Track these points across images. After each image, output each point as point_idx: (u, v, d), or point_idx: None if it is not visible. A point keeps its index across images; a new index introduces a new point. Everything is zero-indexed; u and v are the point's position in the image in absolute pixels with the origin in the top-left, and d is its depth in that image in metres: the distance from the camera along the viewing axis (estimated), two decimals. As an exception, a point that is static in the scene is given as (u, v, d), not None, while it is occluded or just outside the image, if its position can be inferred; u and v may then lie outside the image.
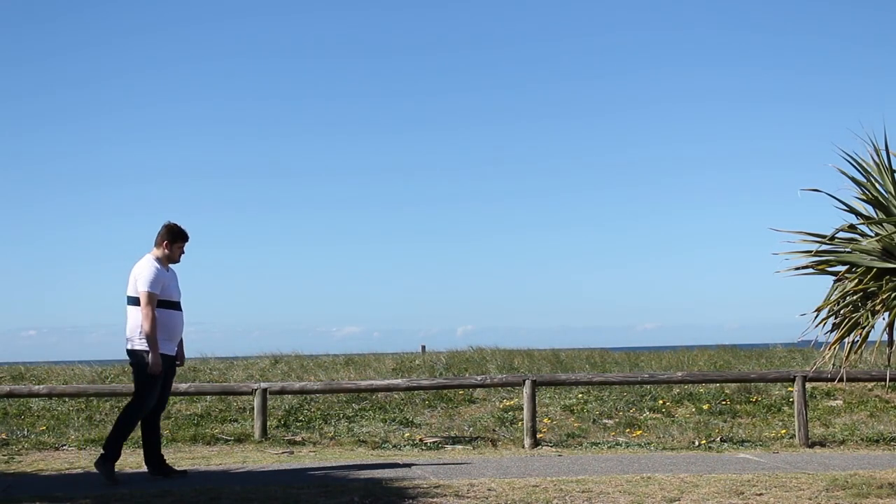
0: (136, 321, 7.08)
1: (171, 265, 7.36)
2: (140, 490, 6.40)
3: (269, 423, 10.09)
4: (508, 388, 11.36)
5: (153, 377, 7.03)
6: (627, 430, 10.24)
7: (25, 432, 10.21)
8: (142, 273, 7.10)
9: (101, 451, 7.09)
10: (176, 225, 7.40)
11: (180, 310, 7.32)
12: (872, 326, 5.87)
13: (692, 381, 10.74)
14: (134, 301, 7.12)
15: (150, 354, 6.98)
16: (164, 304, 7.13)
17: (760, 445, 9.39)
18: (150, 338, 6.96)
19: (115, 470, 7.03)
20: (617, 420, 10.69)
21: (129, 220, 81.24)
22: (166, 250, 7.30)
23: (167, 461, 7.43)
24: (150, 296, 7.02)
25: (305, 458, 8.47)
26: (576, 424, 10.49)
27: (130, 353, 7.11)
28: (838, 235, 6.01)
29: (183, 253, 7.42)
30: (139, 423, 7.22)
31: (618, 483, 6.54)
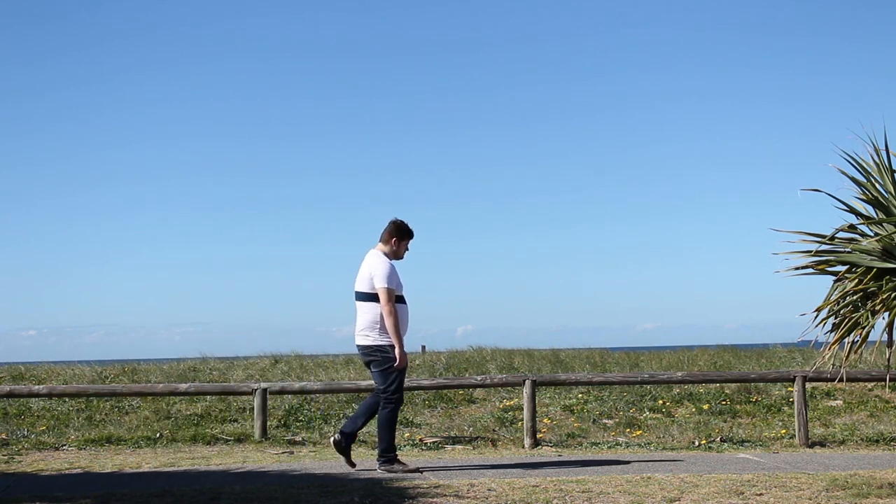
0: (372, 316, 7.31)
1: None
2: (140, 490, 6.40)
3: (269, 423, 10.09)
4: (508, 388, 11.36)
5: (402, 370, 7.34)
6: (627, 430, 10.24)
7: (25, 432, 10.21)
8: (378, 270, 7.31)
9: (382, 458, 7.36)
10: (404, 222, 7.63)
11: (405, 303, 7.52)
12: (872, 326, 5.87)
13: (692, 381, 10.74)
14: (367, 297, 7.33)
15: (395, 348, 7.25)
16: (396, 298, 7.37)
17: (760, 445, 9.39)
18: (396, 332, 7.23)
19: (115, 471, 7.05)
20: (617, 420, 10.69)
21: (129, 220, 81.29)
22: (394, 247, 7.52)
23: (167, 461, 7.44)
24: (389, 291, 7.25)
25: (305, 458, 8.47)
26: (576, 424, 10.49)
27: (373, 348, 7.32)
28: (838, 235, 6.02)
29: (407, 250, 7.65)
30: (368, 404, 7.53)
31: (618, 483, 6.54)
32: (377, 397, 7.44)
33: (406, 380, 10.57)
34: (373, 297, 7.30)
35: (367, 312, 7.34)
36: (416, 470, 7.31)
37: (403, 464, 7.42)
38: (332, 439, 7.47)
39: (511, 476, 7.01)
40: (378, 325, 7.27)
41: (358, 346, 7.42)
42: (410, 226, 7.61)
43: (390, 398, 7.35)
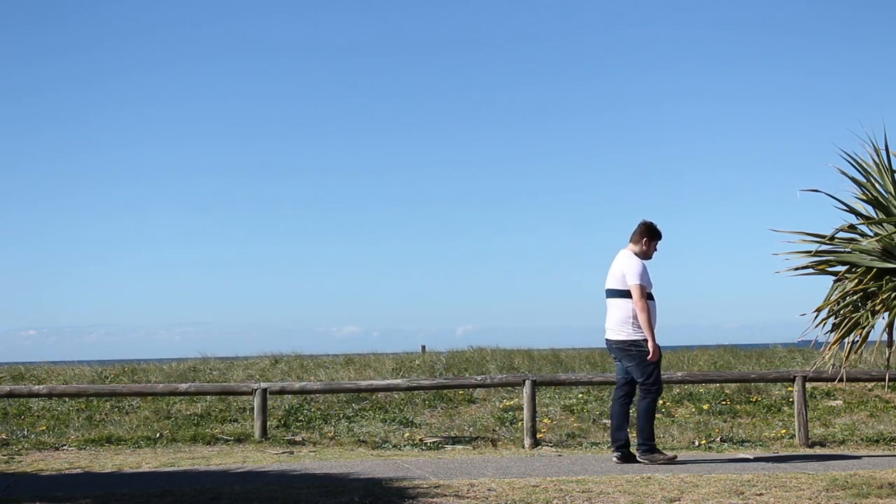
0: (625, 313, 7.72)
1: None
2: (140, 490, 6.40)
3: (269, 423, 10.09)
4: (508, 388, 11.36)
5: (658, 361, 7.74)
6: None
7: (25, 432, 10.22)
8: (630, 268, 7.74)
9: (643, 447, 7.77)
10: (654, 224, 7.99)
11: (654, 300, 7.89)
12: (872, 326, 5.87)
13: (692, 381, 10.74)
14: (619, 294, 7.77)
15: (648, 342, 7.63)
16: (647, 295, 7.76)
17: (760, 445, 9.39)
18: (649, 326, 7.66)
19: (115, 471, 7.05)
20: (617, 420, 10.68)
21: (129, 220, 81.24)
22: (644, 247, 7.91)
23: (167, 461, 7.44)
24: (642, 288, 7.69)
25: (305, 458, 8.47)
26: (576, 424, 10.49)
27: (628, 343, 7.74)
28: (838, 235, 6.02)
29: (656, 251, 8.01)
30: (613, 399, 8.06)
31: (618, 483, 6.54)
32: (619, 398, 7.93)
33: (406, 380, 10.63)
34: (624, 294, 7.75)
35: (619, 309, 7.78)
36: (673, 459, 7.77)
37: (663, 454, 7.85)
38: (614, 458, 7.84)
39: (511, 476, 7.01)
40: (632, 321, 7.71)
41: (610, 340, 7.90)
42: (659, 227, 8.03)
43: (650, 389, 7.78)
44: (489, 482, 6.63)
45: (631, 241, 7.98)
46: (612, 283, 7.86)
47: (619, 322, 7.79)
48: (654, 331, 7.72)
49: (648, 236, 7.92)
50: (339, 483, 6.67)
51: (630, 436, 8.03)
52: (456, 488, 6.34)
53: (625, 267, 7.79)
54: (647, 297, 7.75)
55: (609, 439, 9.72)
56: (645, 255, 7.91)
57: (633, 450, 7.95)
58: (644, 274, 7.74)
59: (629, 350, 7.77)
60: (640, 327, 7.69)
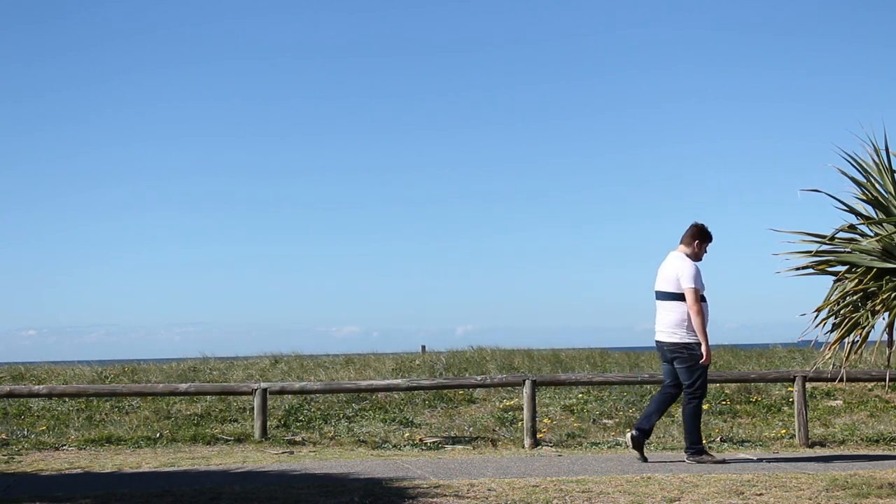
0: (677, 315, 7.74)
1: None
2: (140, 490, 6.40)
3: (269, 423, 10.09)
4: (508, 388, 11.36)
5: (706, 366, 7.77)
6: (627, 430, 10.23)
7: (25, 432, 10.22)
8: (684, 271, 7.76)
9: (691, 450, 7.80)
10: (705, 226, 8.02)
11: (707, 302, 7.90)
12: (872, 326, 5.87)
13: (692, 381, 10.72)
14: (671, 296, 7.77)
15: (701, 345, 7.66)
16: (701, 298, 7.78)
17: (760, 445, 9.39)
18: (702, 330, 7.68)
19: (115, 471, 7.05)
20: (617, 420, 10.69)
21: (129, 220, 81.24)
22: (695, 249, 7.93)
23: (167, 461, 7.44)
24: (696, 291, 7.70)
25: (305, 458, 8.47)
26: (576, 424, 10.49)
27: (680, 345, 7.76)
28: (838, 235, 6.02)
29: (706, 252, 8.03)
30: (656, 396, 8.10)
31: (618, 483, 6.54)
32: (667, 392, 7.97)
33: (406, 380, 10.62)
34: (677, 297, 7.76)
35: (671, 311, 7.79)
36: (722, 461, 7.76)
37: (711, 455, 7.89)
38: (628, 435, 7.95)
39: (511, 476, 7.01)
40: (685, 324, 7.72)
41: (661, 342, 7.89)
42: (710, 230, 8.06)
43: (695, 393, 7.80)
44: (489, 482, 6.63)
45: (682, 242, 8.00)
46: (665, 285, 7.86)
47: (672, 324, 7.80)
48: (707, 334, 7.76)
49: (700, 238, 7.95)
50: (339, 483, 6.67)
51: (646, 435, 8.08)
52: (456, 488, 6.34)
53: (679, 269, 7.78)
54: (701, 299, 7.78)
55: (609, 439, 9.73)
56: (696, 256, 7.92)
57: (645, 451, 8.04)
58: (698, 277, 7.77)
59: (681, 353, 7.79)
60: (693, 330, 7.70)
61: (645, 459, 7.83)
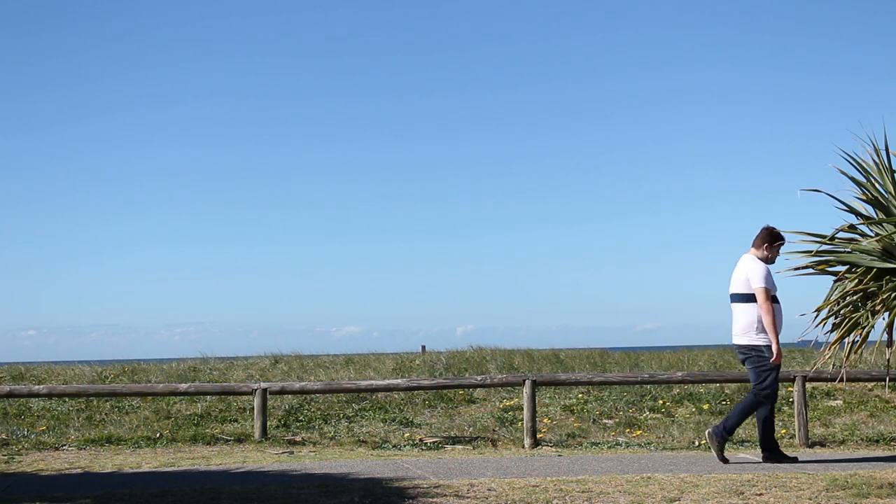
0: (750, 316, 7.82)
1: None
2: (140, 490, 6.40)
3: (269, 423, 10.09)
4: (508, 388, 11.36)
5: (777, 366, 7.83)
6: (627, 430, 10.24)
7: (25, 432, 10.22)
8: (755, 272, 7.85)
9: (720, 427, 7.88)
10: (776, 229, 8.05)
11: (779, 303, 7.98)
12: (872, 326, 5.87)
13: (692, 381, 10.74)
14: (744, 298, 7.85)
15: (772, 345, 7.75)
16: (772, 298, 7.85)
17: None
18: (773, 329, 7.75)
19: (115, 471, 7.05)
20: (617, 420, 10.69)
21: (129, 220, 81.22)
22: (766, 251, 8.00)
23: (167, 461, 7.45)
24: (766, 291, 7.77)
25: (305, 458, 8.47)
26: (576, 424, 10.49)
27: (749, 347, 7.86)
28: (838, 235, 6.02)
29: (778, 254, 8.04)
30: (756, 409, 7.99)
31: (618, 483, 6.54)
32: (754, 396, 7.97)
33: (406, 380, 10.62)
34: (750, 298, 7.84)
35: (744, 313, 7.87)
36: (795, 460, 7.89)
37: (785, 455, 7.97)
38: (707, 432, 8.00)
39: (511, 476, 7.01)
40: (756, 325, 7.81)
41: (736, 344, 8.00)
42: (781, 232, 8.06)
43: (760, 394, 7.88)
44: (489, 482, 6.63)
45: (753, 245, 8.08)
46: (737, 287, 7.95)
47: (744, 326, 7.87)
48: (779, 334, 7.82)
49: (770, 241, 8.00)
50: (339, 483, 6.67)
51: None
52: (456, 488, 6.34)
53: (749, 271, 7.87)
54: (772, 300, 7.82)
55: (609, 439, 9.74)
56: (767, 259, 7.99)
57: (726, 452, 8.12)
58: (768, 277, 7.82)
59: (750, 354, 7.87)
60: (764, 331, 7.77)
61: (725, 461, 7.87)
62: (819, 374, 9.67)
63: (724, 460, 7.81)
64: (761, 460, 7.97)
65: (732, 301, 8.01)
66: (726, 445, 9.21)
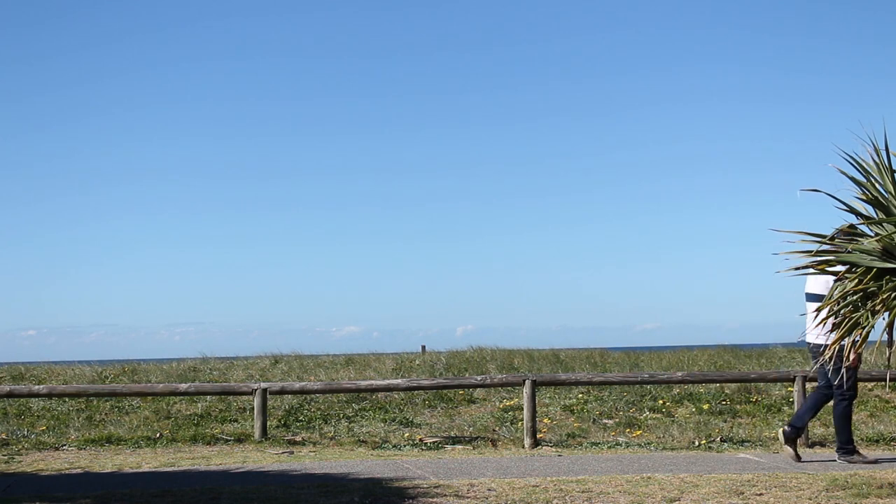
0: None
1: None
2: (140, 490, 6.40)
3: (269, 423, 10.09)
4: (508, 388, 11.36)
5: (854, 368, 7.87)
6: (627, 430, 10.24)
7: (25, 432, 10.22)
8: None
9: (842, 450, 7.99)
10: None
11: None
12: (872, 326, 5.87)
13: (692, 381, 10.74)
14: (817, 298, 7.78)
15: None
16: None
17: (760, 445, 9.38)
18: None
19: (115, 471, 7.04)
20: (617, 420, 10.69)
21: (128, 220, 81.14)
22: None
23: (167, 461, 7.45)
24: None
25: (305, 458, 8.47)
26: (576, 424, 10.49)
27: (822, 347, 7.74)
28: (838, 235, 6.01)
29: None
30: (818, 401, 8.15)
31: (618, 483, 6.55)
32: (821, 392, 8.08)
33: (406, 380, 10.62)
34: (823, 298, 7.71)
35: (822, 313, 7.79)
36: (875, 461, 7.88)
37: (862, 455, 8.03)
38: (780, 430, 8.11)
39: (511, 476, 7.01)
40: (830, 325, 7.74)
41: (809, 343, 8.05)
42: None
43: (844, 394, 7.93)
44: (489, 482, 6.63)
45: None
46: (813, 286, 7.97)
47: (821, 326, 7.90)
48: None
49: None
50: (339, 483, 6.67)
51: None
52: (456, 488, 6.34)
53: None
54: None
55: (609, 439, 9.74)
56: None
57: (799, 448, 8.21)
58: None
59: (824, 353, 7.86)
60: None
61: (798, 458, 7.94)
62: (819, 374, 9.65)
63: (798, 458, 7.88)
64: (836, 458, 8.06)
65: (808, 300, 8.03)
66: (722, 447, 9.21)
